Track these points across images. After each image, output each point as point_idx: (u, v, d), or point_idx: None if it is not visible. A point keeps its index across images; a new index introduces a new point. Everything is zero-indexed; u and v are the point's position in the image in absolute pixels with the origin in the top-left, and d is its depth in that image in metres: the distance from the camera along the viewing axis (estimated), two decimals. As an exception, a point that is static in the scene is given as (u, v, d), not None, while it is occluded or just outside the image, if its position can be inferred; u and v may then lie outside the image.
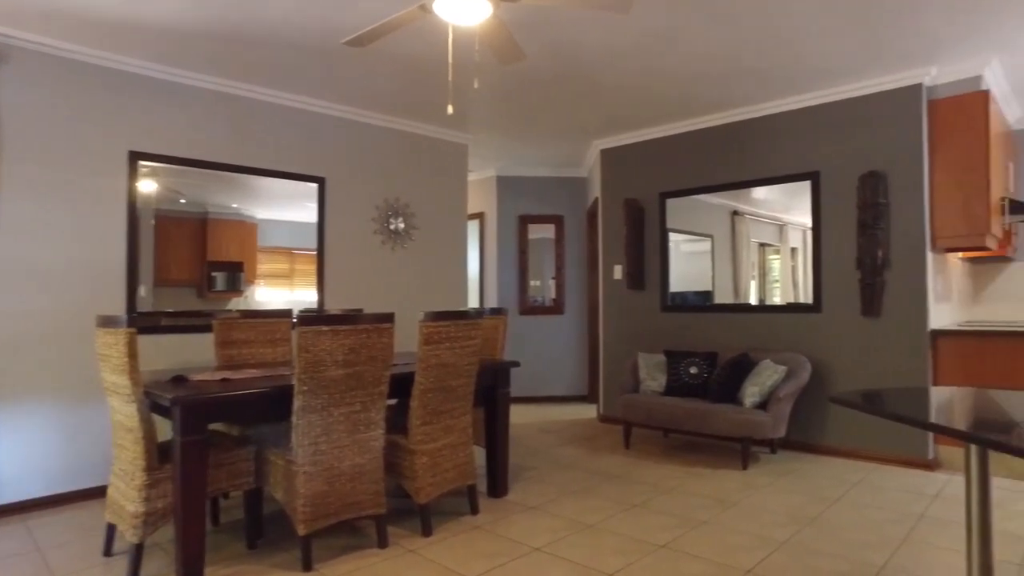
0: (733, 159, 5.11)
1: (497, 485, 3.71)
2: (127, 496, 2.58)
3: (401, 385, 3.18)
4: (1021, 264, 5.35)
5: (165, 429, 3.01)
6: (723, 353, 4.86)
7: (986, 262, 5.46)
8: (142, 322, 3.95)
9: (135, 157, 3.94)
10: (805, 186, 4.73)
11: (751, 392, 4.25)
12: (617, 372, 5.82)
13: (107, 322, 2.58)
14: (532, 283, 7.30)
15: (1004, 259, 5.37)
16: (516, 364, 3.79)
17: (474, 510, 3.40)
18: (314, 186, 4.79)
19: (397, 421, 3.39)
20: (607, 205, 5.98)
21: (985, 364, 3.97)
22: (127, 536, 2.55)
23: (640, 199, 5.68)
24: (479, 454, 4.36)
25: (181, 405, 2.44)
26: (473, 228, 7.63)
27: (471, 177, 7.47)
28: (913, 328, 4.20)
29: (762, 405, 4.24)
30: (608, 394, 5.92)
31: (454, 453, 3.29)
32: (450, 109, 2.94)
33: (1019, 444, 1.50)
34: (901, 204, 4.27)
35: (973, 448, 2.04)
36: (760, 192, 4.99)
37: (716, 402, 4.40)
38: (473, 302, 7.69)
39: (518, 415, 6.37)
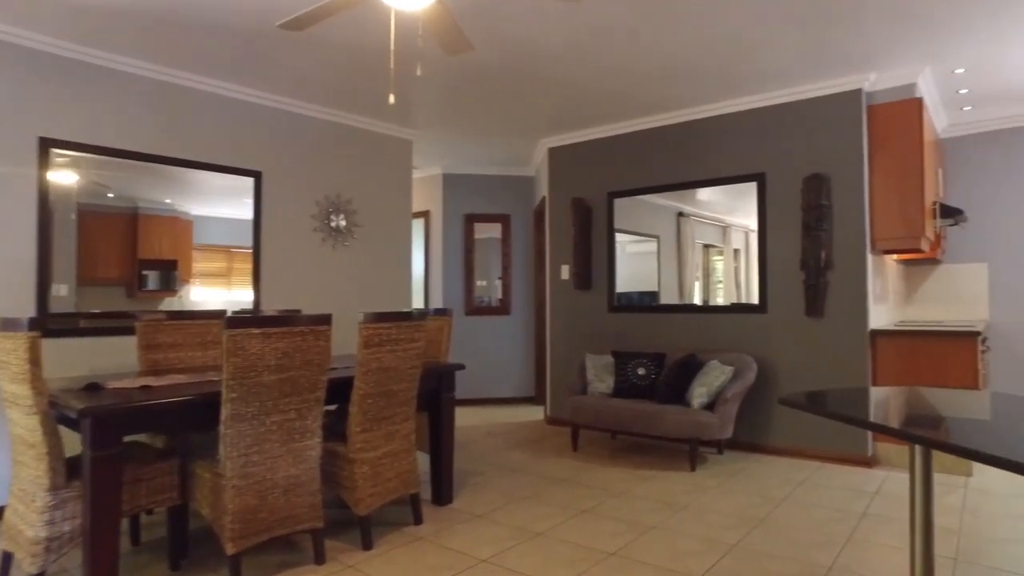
0: (681, 159, 5.11)
1: (442, 493, 3.57)
2: (27, 520, 2.33)
3: (340, 390, 3.01)
4: (948, 267, 5.56)
5: (76, 443, 2.75)
6: (671, 354, 4.85)
7: (917, 264, 5.64)
8: (56, 324, 3.64)
9: (47, 144, 3.62)
10: (748, 188, 4.77)
11: (699, 393, 4.24)
12: (564, 373, 5.75)
13: (5, 325, 2.32)
14: (479, 283, 7.18)
15: (933, 261, 5.56)
16: (461, 367, 3.66)
17: (418, 520, 3.25)
18: (251, 181, 4.54)
19: (336, 428, 3.21)
20: (554, 204, 5.92)
21: (920, 362, 4.07)
22: (24, 566, 2.29)
23: (588, 199, 5.63)
24: (423, 460, 4.21)
25: (91, 417, 2.21)
26: (418, 227, 7.46)
27: (416, 175, 7.30)
28: (854, 328, 4.28)
29: (710, 406, 4.23)
30: (555, 396, 5.85)
31: (396, 461, 3.14)
32: (391, 99, 2.79)
33: (963, 444, 1.48)
34: (843, 206, 4.34)
35: (917, 449, 2.04)
36: (704, 194, 5.01)
37: (664, 403, 4.37)
38: (418, 303, 7.51)
39: (464, 418, 6.24)
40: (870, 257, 4.30)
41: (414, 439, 3.26)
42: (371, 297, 5.29)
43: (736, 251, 4.91)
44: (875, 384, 4.22)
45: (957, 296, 5.50)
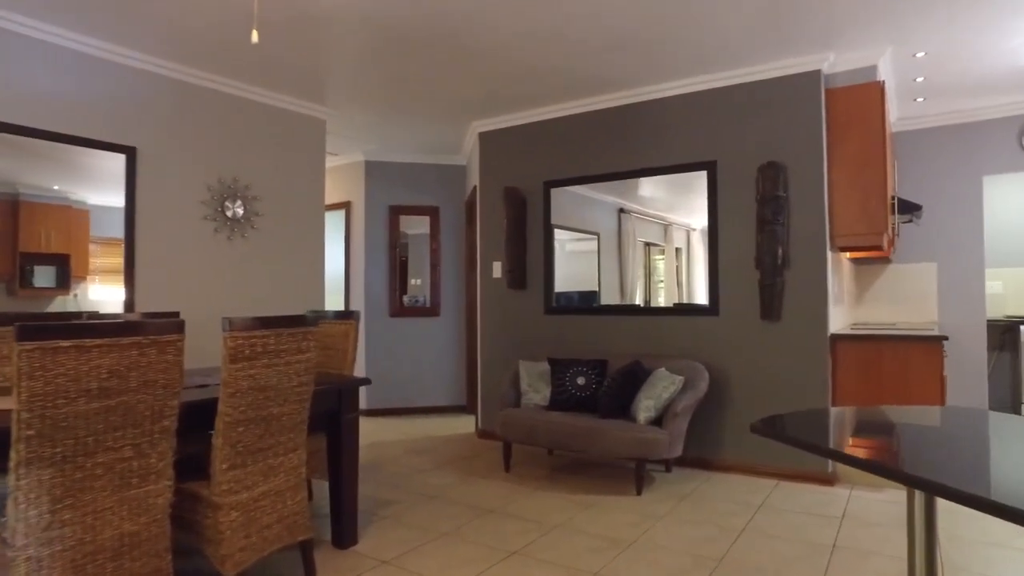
0: (624, 146, 4.64)
1: (343, 533, 2.95)
2: None
3: (204, 415, 2.35)
4: (898, 266, 5.30)
5: None
6: (613, 361, 4.37)
7: (868, 263, 5.37)
8: None
9: None
10: (691, 184, 4.35)
11: (645, 406, 3.76)
12: (497, 382, 5.20)
13: None
14: (412, 282, 6.56)
15: (884, 260, 5.30)
16: (366, 382, 3.05)
17: (309, 573, 2.62)
18: (127, 159, 3.80)
19: (199, 463, 2.55)
20: (486, 194, 5.36)
21: (883, 369, 3.72)
22: None
23: (522, 188, 5.10)
24: (324, 489, 3.58)
25: None
26: (338, 219, 6.77)
27: (335, 161, 6.60)
28: (813, 332, 3.89)
29: (657, 420, 3.76)
30: (487, 407, 5.29)
31: (279, 502, 2.51)
32: (255, 36, 2.17)
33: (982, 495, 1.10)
34: (801, 198, 3.96)
35: (918, 494, 1.64)
36: (646, 189, 4.57)
37: (606, 417, 3.88)
38: (337, 304, 6.83)
39: (386, 431, 5.60)
40: (830, 255, 3.93)
41: (304, 473, 2.63)
42: (276, 298, 4.60)
43: (678, 250, 4.52)
44: (836, 393, 3.85)
45: (906, 297, 5.25)
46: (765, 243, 3.96)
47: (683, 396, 3.78)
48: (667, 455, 3.67)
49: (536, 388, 4.36)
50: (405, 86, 4.46)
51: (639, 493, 3.70)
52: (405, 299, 6.51)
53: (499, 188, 5.20)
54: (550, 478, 4.09)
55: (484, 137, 5.36)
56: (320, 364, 3.51)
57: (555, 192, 4.95)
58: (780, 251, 3.93)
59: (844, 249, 4.13)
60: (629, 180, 4.63)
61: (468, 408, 6.45)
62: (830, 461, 3.83)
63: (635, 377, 3.97)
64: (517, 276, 5.02)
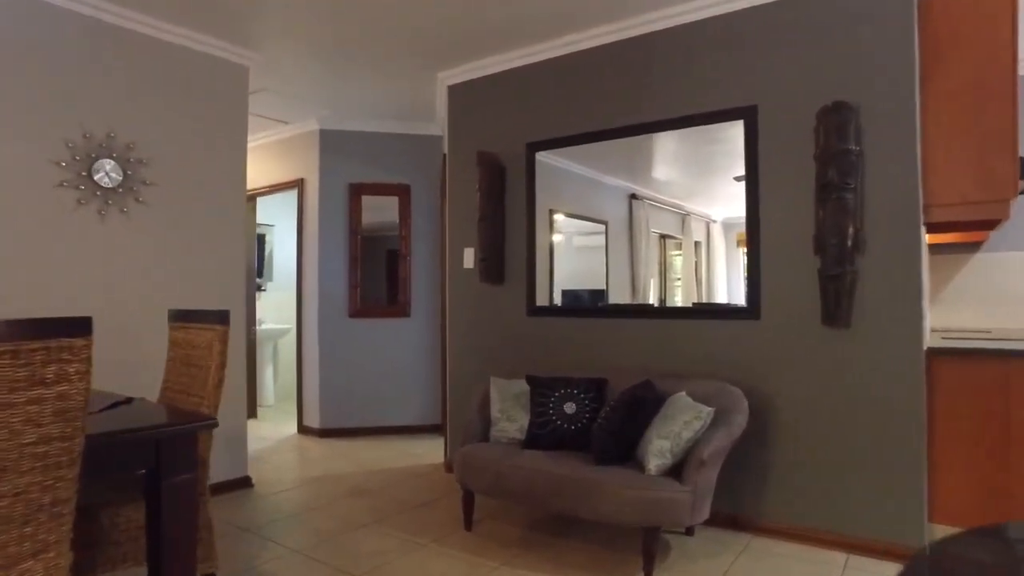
0: (632, 93, 3.49)
1: (169, 668, 1.84)
2: None
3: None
4: (991, 256, 4.10)
5: None
6: (616, 380, 3.23)
7: (950, 250, 4.17)
8: None
9: None
10: (711, 165, 3.23)
11: (658, 449, 2.62)
12: (465, 404, 4.08)
13: None
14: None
15: (970, 247, 4.10)
16: (211, 424, 1.92)
17: None
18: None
19: None
20: (456, 163, 4.23)
21: (1011, 400, 2.55)
22: None
23: (500, 153, 3.96)
24: None
25: None
26: (290, 201, 5.69)
27: (286, 131, 5.50)
28: (899, 343, 2.73)
29: (675, 469, 2.62)
30: (456, 433, 4.17)
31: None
32: None
33: None
34: (882, 154, 2.79)
35: None
36: (661, 170, 3.49)
37: (603, 462, 2.74)
38: (288, 303, 5.76)
39: (336, 458, 4.49)
40: (925, 234, 2.76)
41: (65, 589, 1.52)
42: (174, 297, 3.50)
43: (697, 244, 3.47)
44: (934, 436, 2.68)
45: (1002, 296, 4.05)
46: (829, 218, 2.81)
47: (713, 435, 2.63)
48: (689, 521, 2.53)
49: (511, 416, 3.23)
50: (350, 16, 3.35)
51: (649, 575, 2.56)
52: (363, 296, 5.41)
53: (471, 153, 4.06)
54: (524, 543, 2.96)
55: (453, 91, 4.23)
56: (182, 389, 2.42)
57: (546, 162, 3.81)
58: (851, 229, 2.77)
59: (939, 228, 2.97)
60: (641, 159, 3.51)
61: (443, 429, 5.32)
62: (926, 526, 2.67)
63: (644, 405, 2.83)
64: (492, 266, 3.89)
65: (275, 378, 6.74)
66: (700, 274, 3.48)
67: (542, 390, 3.19)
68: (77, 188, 3.13)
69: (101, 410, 1.95)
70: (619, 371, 3.35)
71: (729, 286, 3.35)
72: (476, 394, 3.52)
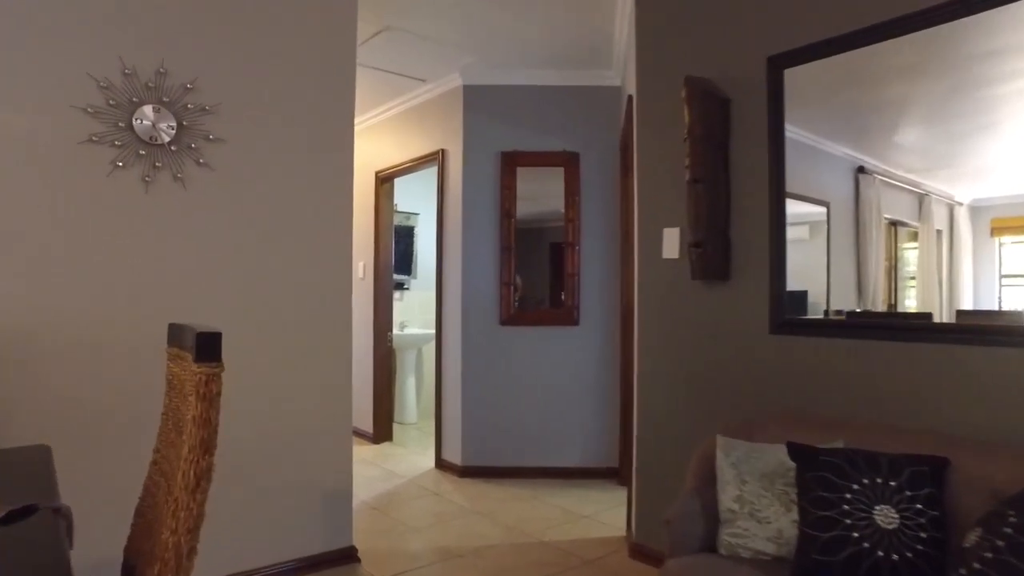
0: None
1: None
2: None
3: None
4: None
5: None
6: (964, 459, 1.69)
7: None
8: None
9: None
10: (963, 118, 1.62)
11: None
12: (664, 462, 2.69)
13: None
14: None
15: None
16: (23, 513, 0.74)
17: None
18: None
19: None
20: (647, 100, 2.86)
21: None
22: None
23: (719, 78, 2.53)
24: None
25: None
26: (428, 179, 4.66)
27: (421, 94, 4.46)
28: None
29: None
30: (646, 501, 2.80)
31: None
32: None
33: None
34: None
35: None
36: (906, 132, 2.04)
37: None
38: (428, 305, 4.76)
39: (479, 517, 3.33)
40: None
41: None
42: (253, 298, 2.52)
43: (938, 233, 2.03)
44: None
45: None
46: None
47: None
48: None
49: (757, 511, 1.83)
50: None
51: None
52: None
53: (673, 81, 2.66)
54: None
55: (645, -4, 2.86)
56: (156, 486, 1.31)
57: (796, 83, 2.34)
58: None
59: None
60: (881, 113, 2.14)
61: (622, 475, 3.97)
62: None
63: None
64: (711, 254, 2.47)
65: (419, 392, 5.79)
66: (941, 272, 2.29)
67: (824, 474, 1.74)
68: (113, 145, 2.21)
69: None
70: (963, 442, 1.80)
71: (977, 289, 2.21)
72: (693, 458, 2.14)
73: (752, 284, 2.43)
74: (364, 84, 4.26)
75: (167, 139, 2.31)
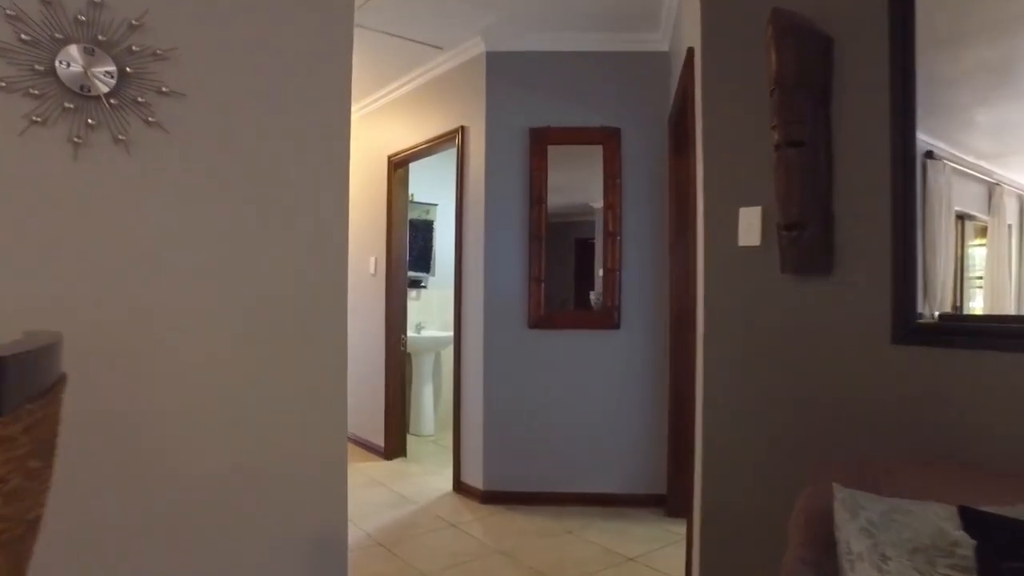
0: None
1: None
2: None
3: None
4: None
5: None
6: None
7: None
8: None
9: None
10: None
11: None
12: (737, 492, 2.12)
13: None
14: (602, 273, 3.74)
15: None
16: None
17: None
18: None
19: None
20: (717, 49, 2.29)
21: None
22: None
23: (817, 16, 1.94)
24: None
25: None
26: (447, 162, 4.14)
27: (441, 64, 3.93)
28: None
29: None
30: (714, 548, 2.23)
31: None
32: None
33: None
34: None
35: None
36: (984, 111, 1.38)
37: None
38: (446, 303, 4.24)
39: (501, 559, 2.79)
40: None
41: None
42: (216, 298, 2.00)
43: (1009, 227, 1.34)
44: None
45: None
46: None
47: None
48: None
49: (911, 609, 1.24)
50: None
51: None
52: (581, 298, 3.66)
53: (751, 25, 2.07)
54: None
55: (714, -84, 2.28)
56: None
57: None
58: None
59: None
60: (955, 85, 1.59)
61: (670, 504, 3.39)
62: None
63: None
64: (809, 239, 1.88)
65: (436, 400, 5.26)
66: (1011, 271, 1.87)
67: (1015, 547, 1.15)
68: (28, 94, 1.69)
69: None
70: None
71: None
72: (798, 513, 1.58)
73: (864, 278, 1.84)
74: (372, 57, 3.76)
75: (105, 89, 1.79)
